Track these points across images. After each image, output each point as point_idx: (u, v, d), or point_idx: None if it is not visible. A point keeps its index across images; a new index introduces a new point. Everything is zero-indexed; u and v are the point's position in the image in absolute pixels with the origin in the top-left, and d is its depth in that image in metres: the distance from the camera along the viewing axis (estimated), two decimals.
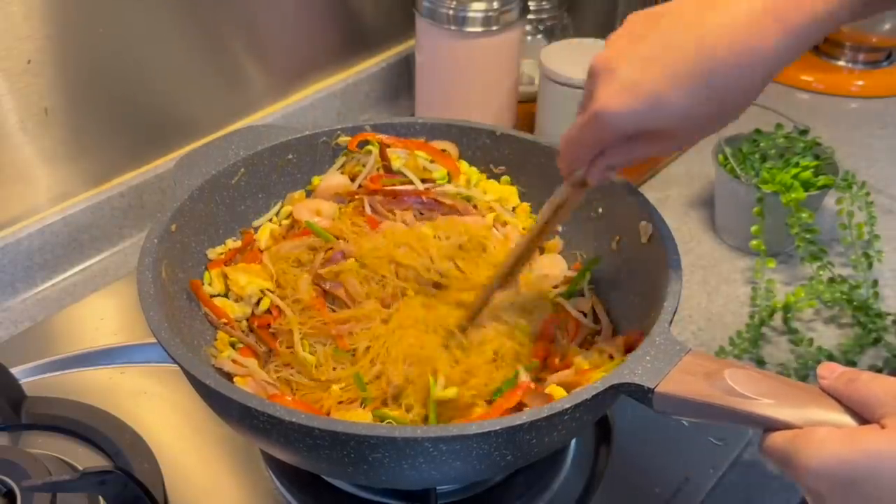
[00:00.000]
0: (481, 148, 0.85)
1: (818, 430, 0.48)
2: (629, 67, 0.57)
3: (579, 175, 0.65)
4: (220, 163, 0.79)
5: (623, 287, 0.77)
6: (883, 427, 0.46)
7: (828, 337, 0.91)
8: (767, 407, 0.51)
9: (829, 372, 0.51)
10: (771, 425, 0.51)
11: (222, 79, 1.07)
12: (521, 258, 0.73)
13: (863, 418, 0.49)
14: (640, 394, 0.56)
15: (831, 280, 0.94)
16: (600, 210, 0.79)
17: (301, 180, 0.86)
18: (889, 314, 0.91)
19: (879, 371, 0.86)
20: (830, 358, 0.87)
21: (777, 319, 0.93)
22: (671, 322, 0.62)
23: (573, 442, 0.77)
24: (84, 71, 0.92)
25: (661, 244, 0.69)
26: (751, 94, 0.58)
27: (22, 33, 0.86)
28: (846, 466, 0.46)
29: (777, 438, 0.50)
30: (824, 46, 1.41)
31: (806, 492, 0.49)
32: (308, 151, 0.85)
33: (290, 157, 0.84)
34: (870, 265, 0.95)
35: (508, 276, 0.73)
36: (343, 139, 0.86)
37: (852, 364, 0.87)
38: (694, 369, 0.55)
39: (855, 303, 0.92)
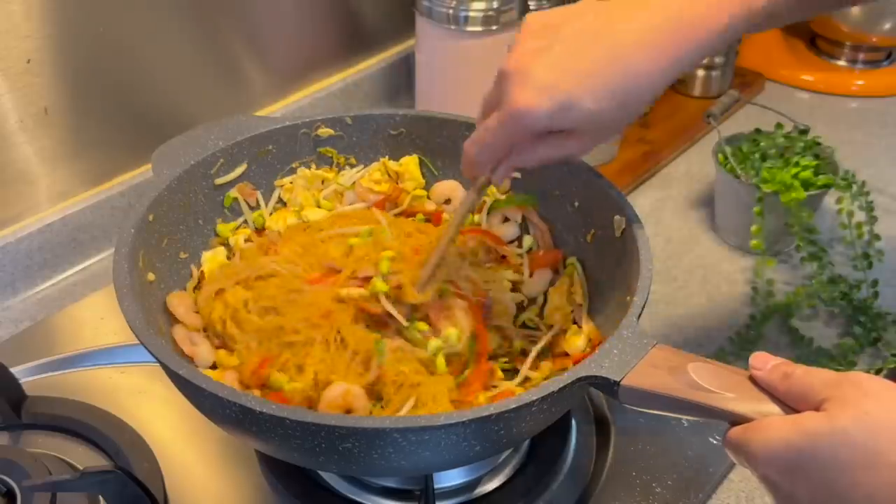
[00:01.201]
0: (461, 140, 0.85)
1: (766, 420, 0.51)
2: (543, 71, 0.60)
3: (485, 178, 0.68)
4: (199, 153, 0.79)
5: (597, 279, 0.78)
6: (821, 412, 0.49)
7: (828, 337, 0.91)
8: (728, 401, 0.53)
9: (762, 363, 0.54)
10: (731, 418, 0.53)
11: (222, 78, 1.07)
12: (441, 260, 0.73)
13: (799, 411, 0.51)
14: (607, 386, 0.57)
15: (831, 280, 0.94)
16: (577, 203, 0.80)
17: (281, 171, 0.86)
18: (889, 314, 0.91)
19: (879, 371, 0.86)
20: (830, 358, 0.87)
21: (777, 319, 0.93)
22: (639, 316, 0.62)
23: (573, 442, 0.77)
24: (84, 71, 0.92)
25: (633, 239, 0.70)
26: (655, 97, 0.63)
27: (22, 33, 0.86)
28: (790, 450, 0.48)
29: (733, 432, 0.52)
30: (824, 46, 1.41)
31: (760, 480, 0.51)
32: (288, 143, 0.85)
33: (270, 147, 0.84)
34: (870, 265, 0.95)
35: (430, 278, 0.74)
36: (323, 130, 0.86)
37: (852, 364, 0.87)
38: (660, 363, 0.57)
39: (855, 303, 0.92)
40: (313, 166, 0.86)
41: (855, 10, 1.32)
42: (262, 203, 0.84)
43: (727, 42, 0.63)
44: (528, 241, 0.84)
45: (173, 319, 0.74)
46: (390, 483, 0.73)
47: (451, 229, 0.73)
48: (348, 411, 0.66)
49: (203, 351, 0.72)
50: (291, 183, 0.85)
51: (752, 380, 0.54)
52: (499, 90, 0.63)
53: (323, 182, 0.87)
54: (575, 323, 0.77)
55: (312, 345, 0.69)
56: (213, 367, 0.72)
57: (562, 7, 0.64)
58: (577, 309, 0.78)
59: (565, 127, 0.62)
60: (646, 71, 0.60)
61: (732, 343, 0.89)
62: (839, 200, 0.97)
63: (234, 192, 0.82)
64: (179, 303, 0.74)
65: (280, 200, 0.86)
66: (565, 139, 0.64)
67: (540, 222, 0.84)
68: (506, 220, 0.85)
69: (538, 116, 0.60)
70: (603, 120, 0.62)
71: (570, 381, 0.57)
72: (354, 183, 0.87)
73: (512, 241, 0.85)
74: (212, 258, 0.79)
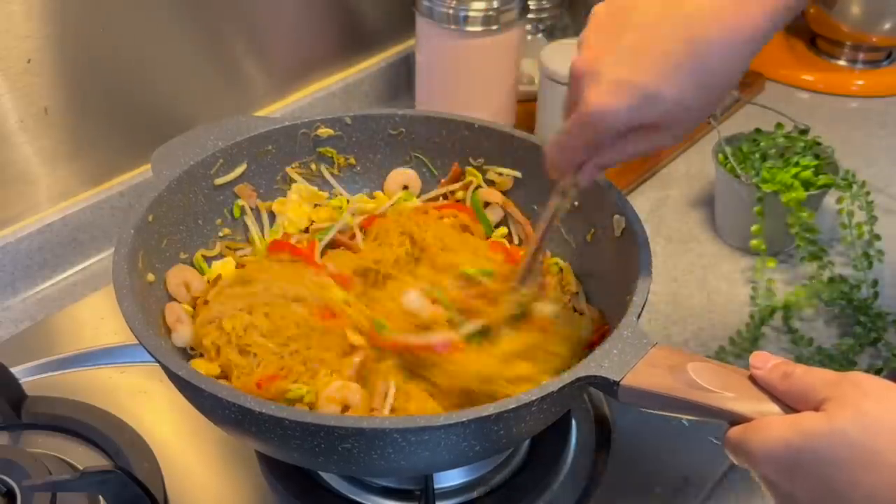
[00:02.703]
0: (460, 140, 0.86)
1: (766, 419, 0.50)
2: (615, 64, 0.57)
3: (570, 180, 0.65)
4: (199, 153, 0.79)
5: (597, 278, 0.78)
6: (820, 411, 0.49)
7: (828, 337, 0.91)
8: (728, 400, 0.53)
9: (762, 362, 0.53)
10: (731, 418, 0.53)
11: (222, 78, 1.07)
12: (530, 267, 0.72)
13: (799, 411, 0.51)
14: (607, 386, 0.57)
15: (831, 280, 0.94)
16: (576, 203, 0.80)
17: (281, 171, 0.86)
18: (889, 314, 0.91)
19: (879, 371, 0.86)
20: (830, 358, 0.87)
21: (777, 319, 0.93)
22: (639, 316, 0.62)
23: (573, 442, 0.77)
24: (84, 71, 0.92)
25: (633, 238, 0.70)
26: (738, 75, 0.59)
27: (22, 33, 0.85)
28: (790, 450, 0.48)
29: (733, 431, 0.52)
30: (824, 46, 1.41)
31: (759, 480, 0.51)
32: (288, 143, 0.84)
33: (270, 147, 0.84)
34: (870, 265, 0.95)
35: (524, 281, 0.73)
36: (323, 130, 0.86)
37: (853, 364, 0.87)
38: (659, 362, 0.57)
39: (855, 303, 0.92)
40: (313, 166, 0.87)
41: (855, 10, 1.32)
42: (261, 215, 0.85)
43: (798, 8, 0.58)
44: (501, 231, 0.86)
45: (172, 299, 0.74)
46: (390, 483, 0.73)
47: (539, 236, 0.71)
48: (345, 407, 0.66)
49: (185, 330, 0.72)
50: (285, 197, 0.85)
51: (752, 379, 0.54)
52: (574, 90, 0.60)
53: (315, 206, 0.86)
54: (576, 311, 0.77)
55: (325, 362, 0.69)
56: (192, 349, 0.73)
57: None
58: (574, 298, 0.78)
59: (648, 121, 0.58)
60: (724, 47, 0.56)
61: (733, 343, 0.89)
62: (839, 200, 0.98)
63: (241, 202, 0.82)
64: (173, 276, 0.75)
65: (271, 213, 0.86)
66: (651, 133, 0.60)
67: (520, 216, 0.85)
68: (487, 205, 0.86)
69: (616, 116, 0.57)
70: (687, 107, 0.58)
71: (569, 381, 0.57)
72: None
73: (497, 227, 0.86)
74: (223, 267, 0.79)
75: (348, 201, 0.87)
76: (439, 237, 0.79)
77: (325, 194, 0.87)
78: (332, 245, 0.83)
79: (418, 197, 0.88)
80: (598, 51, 0.58)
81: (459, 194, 0.87)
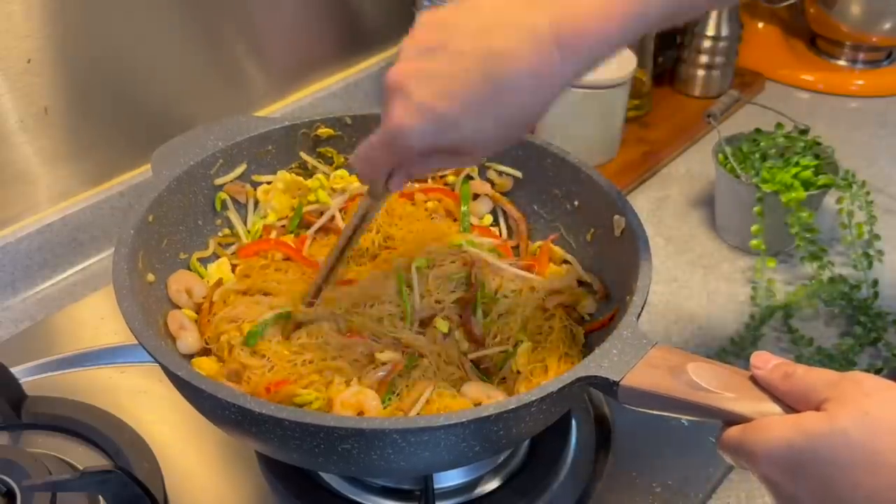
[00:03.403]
0: None
1: (766, 419, 0.50)
2: (420, 88, 0.57)
3: (380, 187, 0.66)
4: (199, 153, 0.79)
5: (597, 278, 0.78)
6: (821, 412, 0.49)
7: (828, 337, 0.91)
8: (728, 401, 0.53)
9: (763, 362, 0.53)
10: (730, 418, 0.53)
11: (222, 78, 1.07)
12: (335, 267, 0.74)
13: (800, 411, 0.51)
14: (606, 386, 0.57)
15: (831, 280, 0.94)
16: (576, 203, 0.80)
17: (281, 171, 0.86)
18: (889, 314, 0.91)
19: (879, 371, 0.86)
20: (830, 358, 0.87)
21: (777, 319, 0.93)
22: (639, 316, 0.62)
23: (573, 442, 0.77)
24: (84, 71, 0.92)
25: (633, 238, 0.70)
26: (540, 113, 0.59)
27: (22, 33, 0.85)
28: (791, 450, 0.48)
29: (731, 432, 0.52)
30: (824, 46, 1.41)
31: (761, 481, 0.51)
32: (287, 143, 0.85)
33: (270, 148, 0.84)
34: (870, 265, 0.95)
35: (321, 284, 0.75)
36: (323, 130, 0.86)
37: (853, 364, 0.87)
38: (659, 363, 0.57)
39: (855, 303, 0.92)
40: (311, 164, 0.87)
41: (855, 10, 1.32)
42: (249, 210, 0.84)
43: (617, 49, 0.58)
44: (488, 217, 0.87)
45: (173, 304, 0.74)
46: (390, 483, 0.73)
47: (343, 237, 0.73)
48: (360, 412, 0.66)
49: (189, 337, 0.72)
50: (269, 184, 0.85)
51: (753, 379, 0.54)
52: (384, 102, 0.60)
53: (299, 189, 0.86)
54: (581, 284, 0.78)
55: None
56: (194, 355, 0.73)
57: (456, 5, 0.58)
58: (571, 267, 0.80)
59: (446, 146, 0.59)
60: (526, 87, 0.56)
61: (733, 343, 0.89)
62: (839, 200, 0.98)
63: (223, 194, 0.82)
64: (174, 282, 0.75)
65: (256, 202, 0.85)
66: (453, 155, 0.60)
67: (514, 211, 0.85)
68: (476, 196, 0.86)
69: (415, 138, 0.57)
70: (485, 139, 0.58)
71: (569, 382, 0.57)
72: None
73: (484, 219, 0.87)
74: (218, 269, 0.79)
75: (328, 177, 0.86)
76: (409, 229, 0.81)
77: (317, 182, 0.86)
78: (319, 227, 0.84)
79: None
80: (411, 67, 0.58)
81: (450, 178, 0.87)
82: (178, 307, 0.75)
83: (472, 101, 0.56)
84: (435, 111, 0.56)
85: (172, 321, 0.73)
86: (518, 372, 0.72)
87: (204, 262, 0.81)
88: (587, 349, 0.75)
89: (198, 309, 0.76)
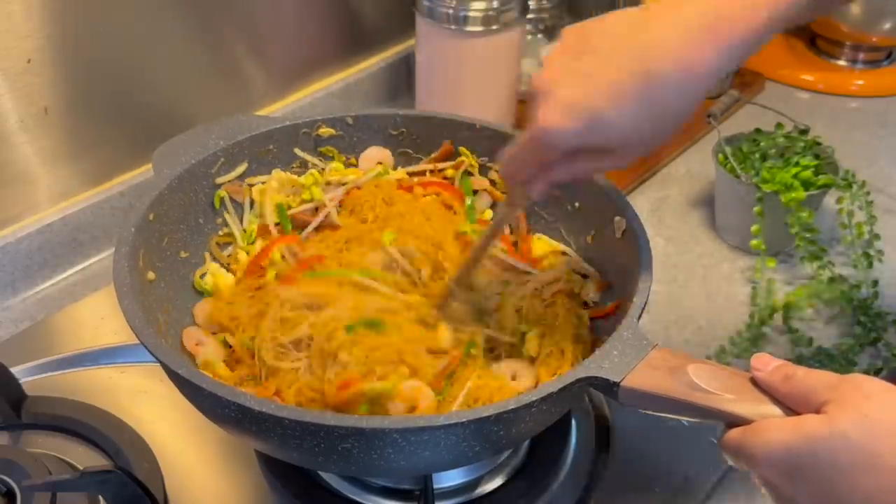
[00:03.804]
0: (461, 140, 0.86)
1: (766, 422, 0.51)
2: (567, 86, 0.58)
3: (521, 193, 0.67)
4: (200, 152, 0.79)
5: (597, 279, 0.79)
6: (821, 414, 0.49)
7: (828, 337, 0.91)
8: (728, 402, 0.53)
9: (763, 364, 0.53)
10: (730, 420, 0.53)
11: (222, 78, 1.07)
12: (472, 266, 0.74)
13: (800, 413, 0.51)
14: (606, 387, 0.57)
15: (831, 280, 0.94)
16: (577, 204, 0.81)
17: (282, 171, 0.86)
18: (889, 314, 0.91)
19: (879, 371, 0.86)
20: (830, 358, 0.87)
21: (777, 319, 0.93)
22: (639, 317, 0.62)
23: (573, 442, 0.77)
24: (84, 71, 0.92)
25: (633, 240, 0.70)
26: (690, 109, 0.59)
27: (22, 33, 0.85)
28: (790, 452, 0.48)
29: (732, 434, 0.52)
30: (824, 46, 1.41)
31: (760, 482, 0.52)
32: (289, 142, 0.85)
33: (271, 147, 0.84)
34: (870, 265, 0.95)
35: (462, 281, 0.74)
36: (324, 130, 0.85)
37: (853, 364, 0.87)
38: (659, 364, 0.57)
39: (855, 303, 0.92)
40: (312, 163, 0.87)
41: (855, 10, 1.32)
42: (246, 209, 0.84)
43: (764, 41, 0.58)
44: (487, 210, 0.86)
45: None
46: (390, 483, 0.73)
47: (483, 243, 0.72)
48: (413, 409, 0.65)
49: (209, 351, 0.72)
50: (264, 184, 0.85)
51: (753, 381, 0.54)
52: (530, 107, 0.60)
53: (293, 187, 0.85)
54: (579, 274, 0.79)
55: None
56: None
57: (601, 16, 0.60)
58: (570, 260, 0.80)
59: (596, 145, 0.59)
60: (675, 79, 0.56)
61: (733, 343, 0.89)
62: (839, 200, 0.98)
63: (222, 192, 0.82)
64: (187, 337, 0.74)
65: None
66: (600, 156, 0.61)
67: None
68: (475, 192, 0.87)
69: (563, 137, 0.58)
70: (636, 135, 0.58)
71: (569, 382, 0.57)
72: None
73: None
74: (219, 276, 0.80)
75: (322, 172, 0.86)
76: (406, 217, 0.81)
77: (312, 178, 0.86)
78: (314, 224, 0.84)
79: (402, 168, 0.88)
80: (557, 71, 0.59)
81: (449, 172, 0.87)
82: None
83: (623, 95, 0.56)
84: (583, 108, 0.57)
85: (188, 338, 0.73)
86: (533, 358, 0.72)
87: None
88: (592, 334, 0.75)
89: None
